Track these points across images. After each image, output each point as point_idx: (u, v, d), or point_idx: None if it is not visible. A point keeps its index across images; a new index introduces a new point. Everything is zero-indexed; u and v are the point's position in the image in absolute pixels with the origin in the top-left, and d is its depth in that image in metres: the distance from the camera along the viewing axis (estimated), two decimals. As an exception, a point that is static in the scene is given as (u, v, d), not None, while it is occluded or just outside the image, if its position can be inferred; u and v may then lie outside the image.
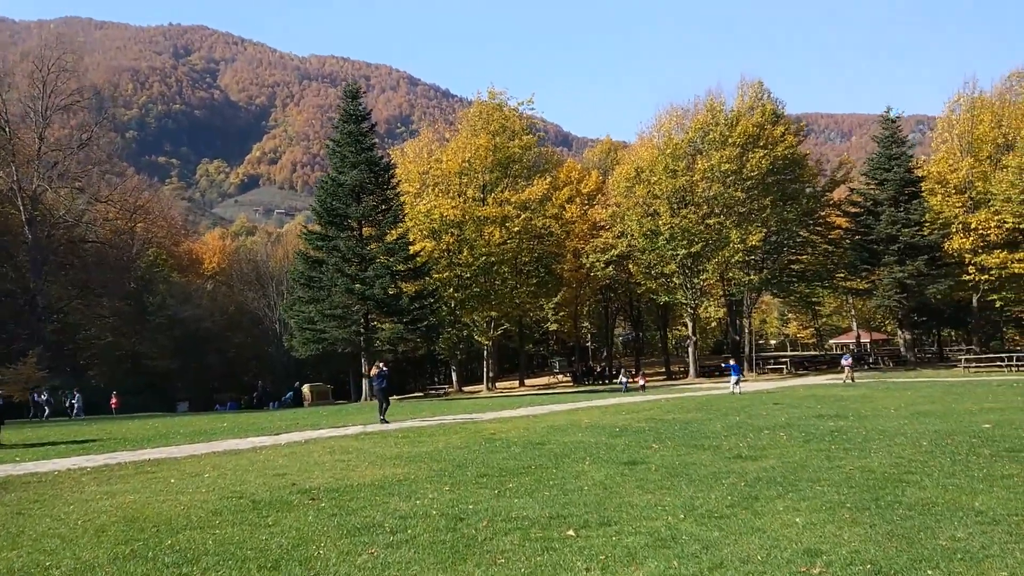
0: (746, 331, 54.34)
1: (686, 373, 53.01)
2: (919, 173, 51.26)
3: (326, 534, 7.09)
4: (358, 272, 42.13)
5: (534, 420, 19.63)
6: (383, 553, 6.37)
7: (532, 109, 58.51)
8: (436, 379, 77.95)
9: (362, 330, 42.60)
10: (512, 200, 50.93)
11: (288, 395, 49.35)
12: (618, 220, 51.91)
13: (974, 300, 51.38)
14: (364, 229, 44.49)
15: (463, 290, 51.10)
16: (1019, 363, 41.04)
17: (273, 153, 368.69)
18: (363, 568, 5.96)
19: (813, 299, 60.74)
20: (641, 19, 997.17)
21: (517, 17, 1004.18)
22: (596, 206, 58.03)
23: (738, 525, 7.08)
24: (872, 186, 53.19)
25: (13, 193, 50.82)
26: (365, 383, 43.55)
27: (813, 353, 75.25)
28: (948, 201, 48.50)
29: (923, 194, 49.65)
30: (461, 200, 50.89)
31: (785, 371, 50.70)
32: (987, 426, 14.33)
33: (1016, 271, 45.24)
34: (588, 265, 54.64)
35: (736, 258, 47.18)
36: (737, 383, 30.44)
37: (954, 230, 48.06)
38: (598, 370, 60.78)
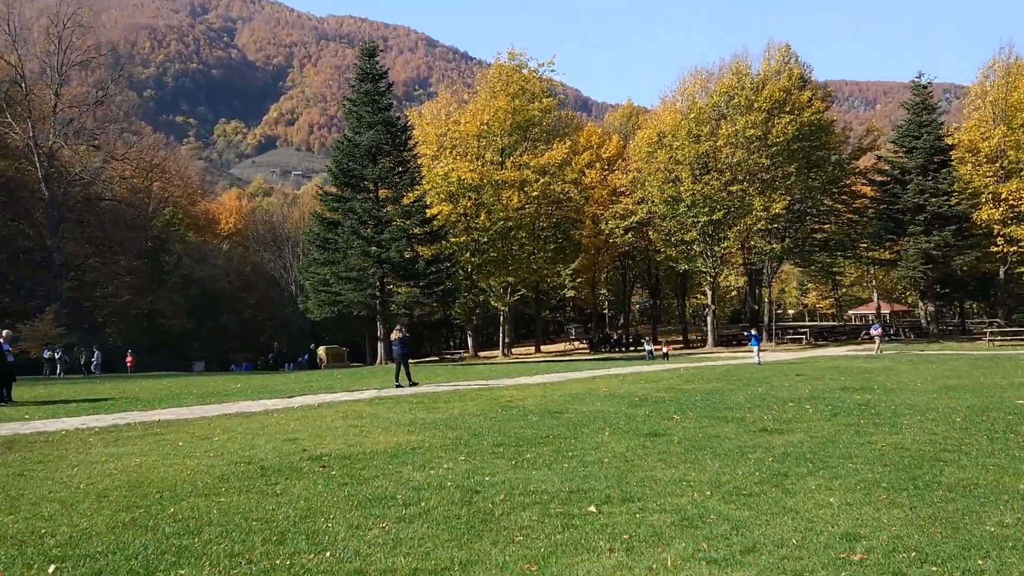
0: (765, 301, 53.66)
1: (704, 342, 52.55)
2: (949, 141, 49.97)
3: (336, 505, 6.77)
4: (374, 235, 41.77)
5: (551, 388, 19.30)
6: (395, 528, 6.03)
7: (553, 71, 57.51)
8: (452, 344, 77.96)
9: (378, 293, 42.37)
10: (531, 164, 50.19)
11: (303, 357, 49.41)
12: (639, 186, 51.13)
13: (1001, 272, 50.39)
14: (380, 191, 44.04)
15: (480, 255, 50.65)
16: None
17: (290, 114, 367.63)
18: (373, 544, 5.62)
19: (834, 269, 59.82)
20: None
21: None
22: (616, 171, 57.20)
23: (768, 504, 6.69)
24: (900, 154, 51.92)
25: (29, 149, 50.75)
26: (381, 346, 43.47)
27: (832, 324, 74.50)
28: (979, 170, 47.43)
29: (953, 163, 48.48)
30: (479, 163, 50.24)
31: (804, 342, 50.09)
32: (1021, 402, 13.82)
33: (1046, 243, 44.29)
34: (607, 231, 53.98)
35: (758, 226, 46.36)
36: (758, 353, 29.98)
37: (984, 200, 47.02)
38: (615, 337, 60.37)
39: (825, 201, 51.42)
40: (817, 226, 54.08)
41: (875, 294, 73.70)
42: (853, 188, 54.31)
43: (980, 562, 5.15)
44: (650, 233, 53.06)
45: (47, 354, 39.45)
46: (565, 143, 53.07)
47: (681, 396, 16.20)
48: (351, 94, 45.12)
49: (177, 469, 8.58)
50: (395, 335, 21.26)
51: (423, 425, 12.16)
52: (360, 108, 43.35)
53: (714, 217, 46.29)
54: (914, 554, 5.29)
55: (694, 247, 49.45)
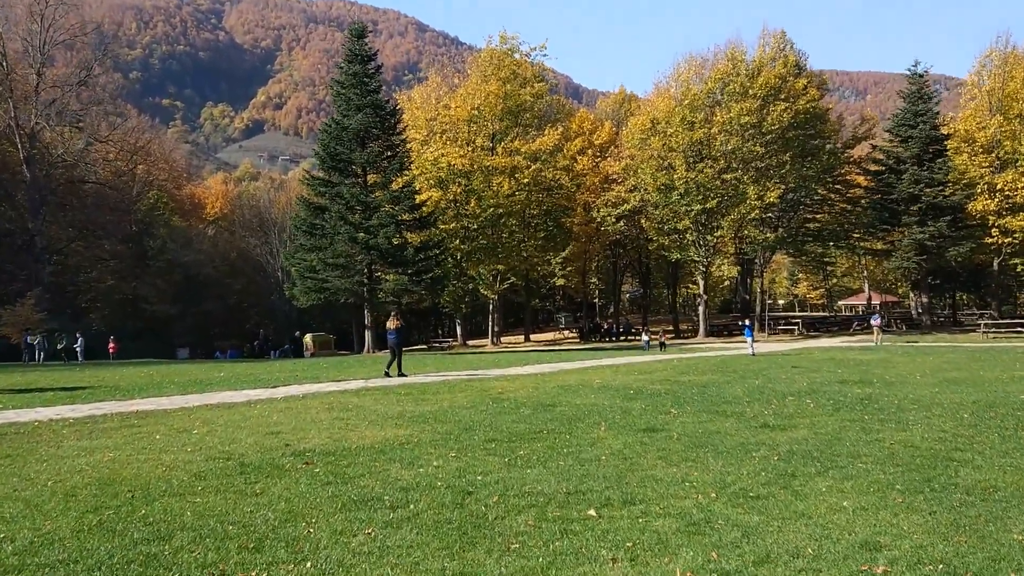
0: (757, 291, 53.44)
1: (695, 332, 52.35)
2: (945, 131, 49.75)
3: (318, 507, 6.32)
4: (362, 220, 41.15)
5: (543, 379, 18.88)
6: (381, 534, 5.59)
7: (545, 56, 56.95)
8: (440, 332, 77.48)
9: (365, 280, 41.80)
10: (522, 150, 49.63)
11: (287, 345, 48.82)
12: (631, 173, 50.68)
13: (995, 264, 50.31)
14: (369, 176, 43.37)
15: (470, 242, 50.12)
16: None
17: (279, 98, 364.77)
18: (358, 553, 5.18)
19: (826, 259, 59.69)
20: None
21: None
22: (609, 158, 56.74)
23: (779, 508, 6.30)
24: (896, 143, 51.71)
25: (10, 130, 49.75)
26: (368, 334, 42.97)
27: (824, 314, 74.56)
28: (974, 160, 47.25)
29: (948, 153, 48.26)
30: (469, 149, 49.61)
31: (796, 332, 49.93)
32: (1026, 397, 13.53)
33: (1041, 235, 44.21)
34: (599, 219, 53.57)
35: (752, 215, 46.04)
36: (751, 344, 29.70)
37: (979, 191, 46.88)
38: (605, 327, 60.05)
39: (819, 190, 51.17)
40: (811, 215, 53.81)
41: (866, 285, 73.81)
42: (847, 177, 54.10)
43: (1013, 575, 4.79)
44: (642, 221, 52.66)
45: (29, 339, 38.58)
46: (557, 129, 52.51)
47: (677, 388, 15.82)
48: (339, 76, 44.35)
49: (152, 465, 8.11)
50: (391, 324, 20.87)
51: (412, 418, 11.72)
52: (348, 90, 42.61)
53: (707, 205, 45.93)
54: (941, 567, 4.93)
55: (687, 236, 49.08)
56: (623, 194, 51.41)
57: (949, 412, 11.75)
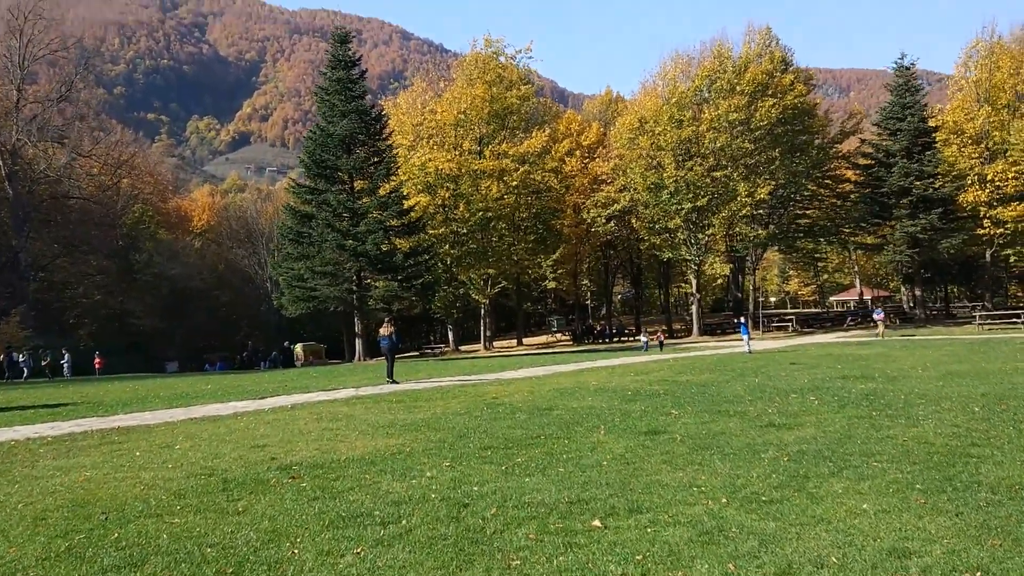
0: (750, 288, 53.21)
1: (688, 331, 52.02)
2: (933, 123, 49.63)
3: (304, 525, 5.89)
4: (349, 227, 40.72)
5: (537, 382, 18.49)
6: (371, 553, 5.18)
7: (531, 58, 56.71)
8: (432, 338, 77.01)
9: (354, 288, 41.34)
10: (510, 153, 49.30)
11: (274, 354, 48.27)
12: (620, 173, 50.43)
13: (987, 255, 50.25)
14: (356, 182, 42.98)
15: (459, 247, 49.71)
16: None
17: (264, 110, 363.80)
18: (345, 576, 4.77)
19: (817, 255, 59.55)
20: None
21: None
22: (597, 159, 56.51)
23: (795, 513, 5.92)
24: (884, 136, 51.61)
25: (-9, 147, 49.04)
26: (359, 342, 42.50)
27: (816, 310, 74.41)
28: (963, 152, 47.12)
29: (937, 145, 48.14)
30: (457, 153, 49.24)
31: (790, 329, 49.67)
32: (1034, 388, 13.20)
33: (1032, 224, 44.14)
34: (589, 220, 53.28)
35: (743, 212, 45.78)
36: (748, 342, 29.40)
37: (969, 182, 46.78)
38: (598, 329, 59.69)
39: (809, 186, 50.98)
40: (801, 211, 53.61)
41: (857, 280, 73.72)
42: (837, 172, 53.97)
43: (1058, 581, 4.44)
44: (633, 221, 52.39)
45: (14, 357, 37.89)
46: (544, 131, 52.18)
47: (676, 389, 15.43)
48: (323, 82, 43.99)
49: (130, 484, 7.67)
50: (384, 330, 20.62)
51: (403, 427, 11.29)
52: (333, 97, 42.21)
53: (698, 204, 45.67)
54: (979, 574, 4.54)
55: (678, 235, 48.80)
56: (613, 194, 51.14)
57: (959, 406, 11.40)
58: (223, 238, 76.04)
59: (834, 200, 53.33)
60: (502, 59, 54.51)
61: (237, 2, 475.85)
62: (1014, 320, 41.18)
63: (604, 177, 53.65)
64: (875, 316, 39.51)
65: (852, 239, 53.63)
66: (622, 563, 4.87)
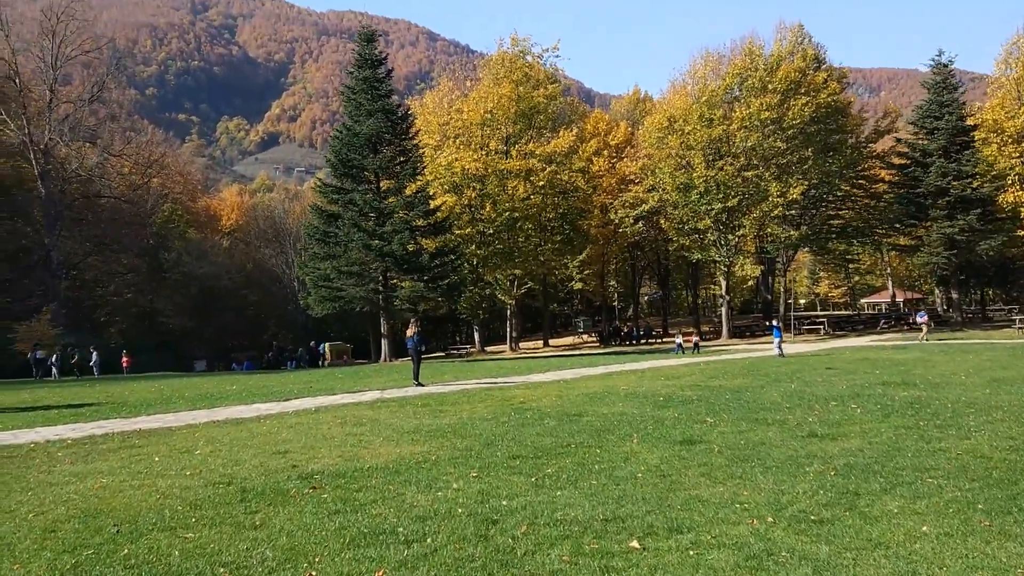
0: (780, 290, 52.27)
1: (718, 333, 51.20)
2: (971, 122, 48.41)
3: (323, 543, 5.55)
4: (375, 227, 40.52)
5: (566, 386, 18.06)
6: (394, 576, 4.82)
7: (558, 57, 56.25)
8: (458, 339, 76.80)
9: (380, 288, 41.16)
10: (537, 152, 48.86)
11: (300, 351, 48.29)
12: (649, 173, 49.76)
13: (1027, 257, 49.03)
14: (382, 182, 42.79)
15: (485, 247, 49.36)
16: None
17: (293, 110, 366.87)
18: (365, 603, 4.42)
19: (849, 256, 58.41)
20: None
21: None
22: (625, 159, 55.87)
23: (848, 536, 5.49)
24: (921, 135, 50.44)
25: (25, 147, 49.64)
26: (385, 343, 42.32)
27: (849, 313, 73.10)
28: (1004, 151, 45.96)
29: (976, 144, 46.95)
30: (483, 153, 48.89)
31: (822, 332, 48.67)
32: (1090, 398, 12.55)
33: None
34: (616, 221, 52.68)
35: (775, 213, 44.92)
36: (779, 345, 28.72)
37: (1009, 182, 45.63)
38: (625, 330, 59.02)
39: (842, 186, 49.95)
40: (834, 212, 52.57)
41: (890, 282, 72.30)
42: (871, 172, 52.86)
43: None
44: (661, 222, 51.69)
45: (39, 355, 38.05)
46: (571, 131, 51.64)
47: (709, 395, 14.93)
48: (350, 81, 43.85)
49: (145, 492, 7.39)
50: (410, 330, 20.34)
51: (429, 433, 10.94)
52: (359, 96, 42.06)
53: (728, 204, 44.89)
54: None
55: (708, 235, 48.04)
56: (641, 194, 50.48)
57: (1012, 416, 10.82)
58: (251, 238, 76.51)
59: (868, 200, 52.21)
60: (529, 58, 54.09)
61: (266, 4, 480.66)
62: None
63: (632, 177, 53.01)
64: (919, 319, 38.84)
65: (886, 240, 52.54)
66: (665, 592, 4.48)
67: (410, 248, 40.84)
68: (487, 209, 48.02)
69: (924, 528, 5.62)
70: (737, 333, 50.95)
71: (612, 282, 74.10)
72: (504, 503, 6.58)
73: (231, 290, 64.07)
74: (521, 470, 8.02)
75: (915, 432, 9.76)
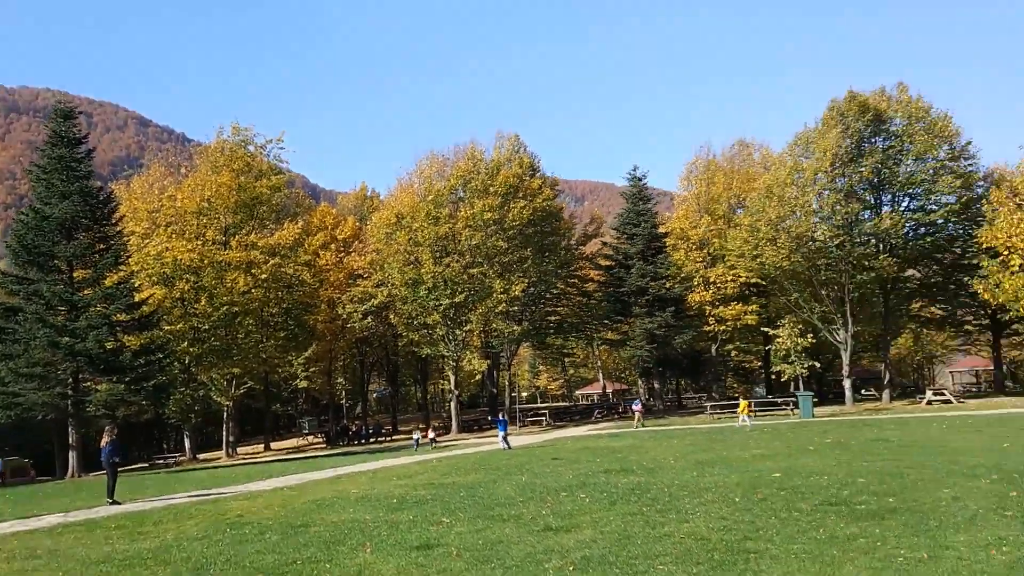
0: (505, 384, 54.08)
1: (447, 428, 51.33)
2: (663, 229, 54.89)
3: None
4: (66, 322, 35.55)
5: (291, 494, 16.58)
6: None
7: (282, 148, 54.65)
8: (165, 446, 69.13)
9: (70, 392, 35.87)
10: (259, 244, 46.66)
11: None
12: (377, 268, 49.62)
13: (713, 350, 55.56)
14: (76, 271, 37.92)
15: (200, 344, 45.40)
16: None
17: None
18: None
19: (565, 350, 62.42)
20: (384, 70, 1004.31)
21: (262, 61, 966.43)
22: (353, 253, 55.33)
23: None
24: (622, 240, 56.14)
25: None
26: (73, 456, 36.74)
27: (567, 404, 77.51)
28: (690, 256, 52.25)
29: (668, 249, 53.11)
30: (199, 243, 45.60)
31: (545, 423, 50.85)
32: (777, 475, 13.97)
33: (748, 322, 49.58)
34: (344, 316, 51.59)
35: (499, 308, 46.77)
36: (505, 438, 29.23)
37: (695, 283, 51.77)
38: (353, 429, 57.06)
39: (558, 284, 53.65)
40: (552, 308, 56.05)
41: (600, 374, 78.24)
42: (582, 272, 57.55)
43: None
44: (390, 317, 51.49)
45: None
46: (297, 223, 50.24)
47: (443, 493, 14.45)
48: (40, 160, 39.00)
49: None
50: (104, 439, 17.75)
51: (123, 562, 9.18)
52: (52, 175, 37.38)
53: (456, 300, 45.99)
54: None
55: (437, 330, 48.63)
56: (370, 289, 50.08)
57: (720, 497, 11.60)
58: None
59: (580, 298, 56.64)
60: (251, 148, 52.24)
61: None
62: (734, 410, 45.59)
63: (360, 271, 52.53)
64: (633, 407, 42.00)
65: (597, 335, 57.00)
66: None
67: (108, 345, 36.26)
68: (202, 303, 44.47)
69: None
70: (466, 427, 51.54)
71: (340, 379, 72.03)
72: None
73: None
74: (235, 601, 6.85)
75: (640, 518, 10.02)
